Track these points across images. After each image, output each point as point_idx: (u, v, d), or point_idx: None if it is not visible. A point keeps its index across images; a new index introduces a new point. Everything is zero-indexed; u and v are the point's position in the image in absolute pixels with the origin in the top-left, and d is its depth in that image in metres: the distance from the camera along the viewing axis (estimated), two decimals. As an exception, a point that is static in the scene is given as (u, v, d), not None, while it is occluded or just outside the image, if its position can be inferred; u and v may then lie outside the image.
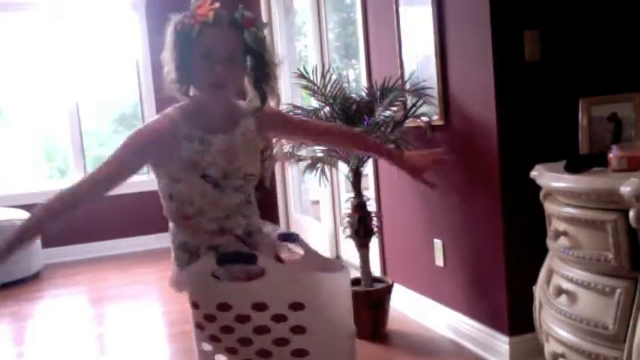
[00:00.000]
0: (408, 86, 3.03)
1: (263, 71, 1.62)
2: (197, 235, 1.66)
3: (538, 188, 2.09)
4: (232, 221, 1.67)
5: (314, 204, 5.03)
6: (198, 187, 1.63)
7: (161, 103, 5.61)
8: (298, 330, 1.52)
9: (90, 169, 6.22)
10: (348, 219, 3.08)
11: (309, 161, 3.09)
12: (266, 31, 1.64)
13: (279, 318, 1.52)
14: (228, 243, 1.64)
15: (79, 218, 5.29)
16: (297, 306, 1.51)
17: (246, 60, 1.61)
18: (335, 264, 1.73)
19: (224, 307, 1.55)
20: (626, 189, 1.60)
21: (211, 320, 1.57)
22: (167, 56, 1.58)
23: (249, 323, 1.54)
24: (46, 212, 1.63)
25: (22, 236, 1.63)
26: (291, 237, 1.77)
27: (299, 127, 1.92)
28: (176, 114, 1.63)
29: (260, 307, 1.52)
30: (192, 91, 1.64)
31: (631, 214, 1.61)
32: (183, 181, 1.64)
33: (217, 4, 1.56)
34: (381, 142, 1.80)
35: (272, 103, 1.74)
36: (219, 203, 1.64)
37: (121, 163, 1.61)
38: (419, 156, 1.99)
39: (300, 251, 1.75)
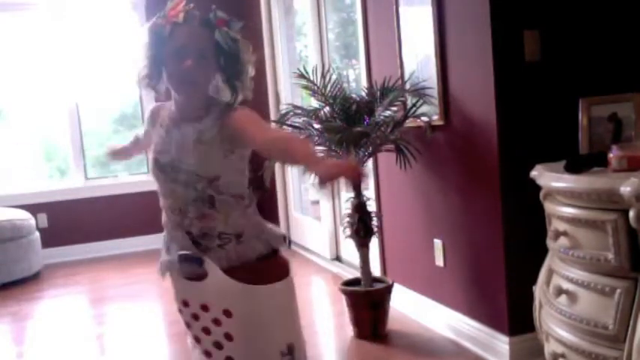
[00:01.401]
0: (408, 86, 3.03)
1: (235, 69, 1.66)
2: (166, 227, 1.74)
3: (538, 188, 2.09)
4: (187, 219, 1.66)
5: (314, 204, 5.03)
6: (152, 170, 1.72)
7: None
8: (228, 337, 1.64)
9: (90, 169, 6.21)
10: (348, 219, 3.08)
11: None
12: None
13: (217, 322, 1.64)
14: (181, 239, 1.67)
15: (80, 218, 5.24)
16: (227, 313, 1.62)
17: (219, 59, 1.65)
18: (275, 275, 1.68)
19: (185, 303, 1.71)
20: (626, 189, 1.60)
21: (180, 313, 1.76)
22: (140, 55, 1.65)
23: (198, 322, 1.68)
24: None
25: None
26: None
27: (254, 141, 1.69)
28: (166, 103, 1.77)
29: (205, 308, 1.65)
30: (163, 89, 1.71)
31: (631, 214, 1.61)
32: (150, 163, 1.74)
33: (191, 5, 1.62)
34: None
35: (240, 97, 1.70)
36: (173, 193, 1.67)
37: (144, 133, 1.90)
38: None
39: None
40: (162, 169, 1.68)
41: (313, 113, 3.07)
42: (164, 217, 1.74)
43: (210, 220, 1.64)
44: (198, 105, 1.67)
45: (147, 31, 1.64)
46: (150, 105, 1.85)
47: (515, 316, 2.53)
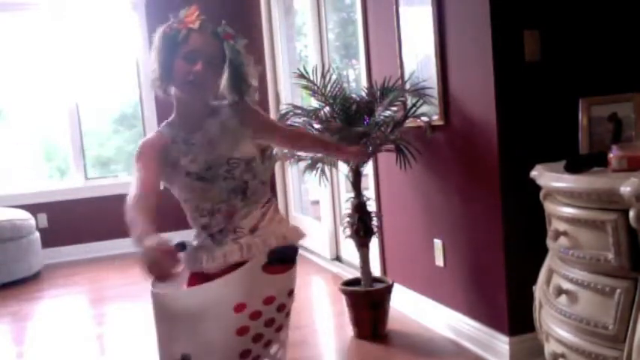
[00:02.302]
0: (408, 86, 3.03)
1: (239, 80, 1.76)
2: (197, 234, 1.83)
3: (538, 188, 2.09)
4: (214, 220, 1.76)
5: (314, 204, 5.03)
6: (186, 185, 1.76)
7: (161, 103, 5.58)
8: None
9: (90, 169, 6.21)
10: (348, 219, 3.08)
11: (309, 161, 3.09)
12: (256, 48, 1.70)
13: None
14: (204, 243, 1.79)
15: (80, 218, 5.23)
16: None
17: (225, 69, 1.75)
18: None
19: None
20: (626, 189, 1.60)
21: None
22: (153, 57, 1.75)
23: None
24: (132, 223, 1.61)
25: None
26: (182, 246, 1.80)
27: (276, 133, 1.96)
28: (163, 127, 1.83)
29: None
30: (173, 91, 1.78)
31: (631, 214, 1.61)
32: (175, 183, 1.78)
33: (204, 16, 1.74)
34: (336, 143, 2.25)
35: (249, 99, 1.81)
36: (207, 194, 1.75)
37: (140, 175, 1.68)
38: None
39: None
40: (198, 177, 1.74)
41: (313, 113, 3.07)
42: (192, 221, 1.82)
43: (235, 213, 1.74)
44: (203, 108, 1.77)
45: (160, 35, 1.73)
46: (144, 139, 1.83)
47: (515, 316, 2.53)
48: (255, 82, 1.80)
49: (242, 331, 1.63)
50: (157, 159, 1.72)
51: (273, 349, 1.76)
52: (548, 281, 2.05)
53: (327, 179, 3.19)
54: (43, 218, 5.51)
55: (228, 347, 1.64)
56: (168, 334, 1.69)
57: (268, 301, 1.66)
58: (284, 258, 1.74)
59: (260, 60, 4.94)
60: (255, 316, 1.64)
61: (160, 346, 1.72)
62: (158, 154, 1.73)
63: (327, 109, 3.06)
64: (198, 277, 1.77)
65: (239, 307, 1.61)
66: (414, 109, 2.92)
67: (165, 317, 1.70)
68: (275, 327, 1.71)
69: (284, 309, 1.73)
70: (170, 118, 1.83)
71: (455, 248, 2.89)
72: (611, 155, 1.85)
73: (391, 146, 2.98)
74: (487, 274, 2.67)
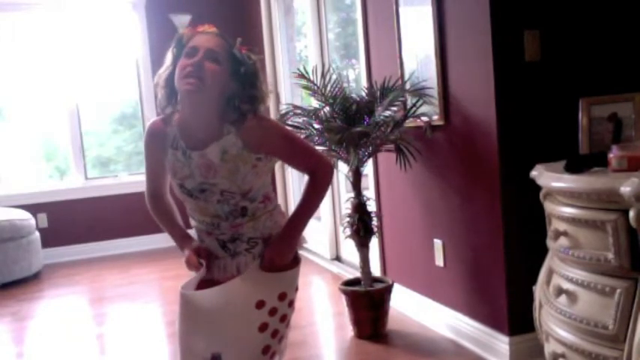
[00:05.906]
0: (408, 86, 3.03)
1: (253, 87, 1.66)
2: (195, 228, 1.82)
3: (538, 188, 2.09)
4: (219, 229, 1.74)
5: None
6: (180, 194, 1.75)
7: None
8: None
9: (90, 169, 6.21)
10: (348, 219, 3.08)
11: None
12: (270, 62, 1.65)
13: None
14: (210, 243, 1.77)
15: (80, 218, 5.23)
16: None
17: (237, 78, 1.65)
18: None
19: None
20: (626, 189, 1.60)
21: None
22: (160, 78, 1.70)
23: None
24: (166, 229, 1.89)
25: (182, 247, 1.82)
26: None
27: (285, 161, 1.92)
28: (175, 118, 1.72)
29: None
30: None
31: (631, 214, 1.61)
32: (175, 188, 1.78)
33: (214, 28, 1.69)
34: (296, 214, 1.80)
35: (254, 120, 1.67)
36: (203, 210, 1.73)
37: (147, 165, 1.86)
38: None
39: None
40: (189, 193, 1.71)
41: (313, 113, 3.07)
42: (193, 222, 1.80)
43: (241, 228, 1.72)
44: (206, 123, 1.66)
45: (169, 51, 1.68)
46: (149, 122, 1.84)
47: (515, 316, 2.53)
48: (267, 102, 1.71)
49: (263, 328, 1.67)
50: (157, 154, 1.76)
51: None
52: (548, 281, 2.05)
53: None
54: (43, 218, 5.52)
55: (253, 344, 1.68)
56: (193, 332, 1.72)
57: (282, 297, 1.70)
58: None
59: (260, 60, 4.93)
60: (273, 312, 1.68)
61: (183, 344, 1.77)
62: (160, 150, 1.74)
63: (327, 109, 3.06)
64: (205, 282, 1.77)
65: (259, 304, 1.66)
66: (414, 109, 2.92)
67: (189, 316, 1.73)
68: (286, 323, 1.75)
69: (292, 305, 1.76)
70: (177, 116, 1.71)
71: (455, 248, 2.89)
72: (611, 155, 1.85)
73: (391, 146, 2.98)
74: (487, 274, 2.67)
